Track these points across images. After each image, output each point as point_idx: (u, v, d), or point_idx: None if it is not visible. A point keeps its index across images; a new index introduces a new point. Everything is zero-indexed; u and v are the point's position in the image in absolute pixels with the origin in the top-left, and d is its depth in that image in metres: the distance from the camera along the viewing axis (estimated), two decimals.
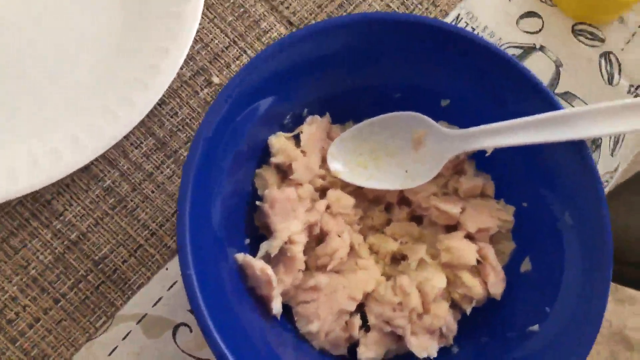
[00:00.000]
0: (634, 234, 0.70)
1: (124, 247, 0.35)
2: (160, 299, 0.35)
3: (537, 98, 0.33)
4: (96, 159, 0.36)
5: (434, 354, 0.32)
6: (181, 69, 0.37)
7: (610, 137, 0.46)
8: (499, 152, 0.34)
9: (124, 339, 0.34)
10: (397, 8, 0.45)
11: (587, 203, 0.32)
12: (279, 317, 0.31)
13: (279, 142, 0.33)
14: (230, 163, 0.31)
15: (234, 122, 0.31)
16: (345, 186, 0.35)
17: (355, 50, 0.33)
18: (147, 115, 0.37)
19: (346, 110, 0.36)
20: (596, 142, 0.45)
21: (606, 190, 0.46)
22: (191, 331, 0.35)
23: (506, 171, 0.35)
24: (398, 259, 0.35)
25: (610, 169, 0.46)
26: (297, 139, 0.34)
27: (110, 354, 0.34)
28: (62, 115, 0.35)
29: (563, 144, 0.32)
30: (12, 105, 0.36)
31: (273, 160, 0.33)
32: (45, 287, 0.34)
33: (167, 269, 0.36)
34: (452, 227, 0.35)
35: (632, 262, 0.70)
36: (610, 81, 0.47)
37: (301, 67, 0.33)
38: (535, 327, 0.31)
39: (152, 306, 0.35)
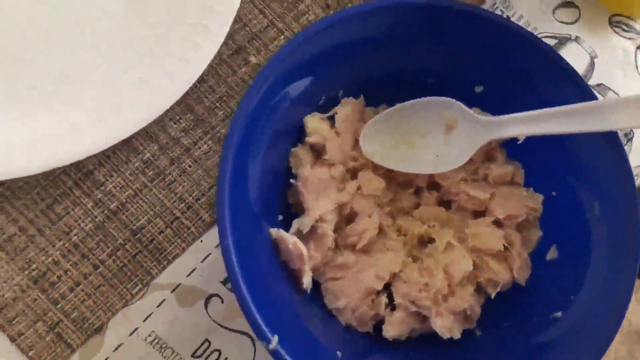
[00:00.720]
0: None
1: (161, 219, 0.37)
2: (194, 270, 0.36)
3: (571, 88, 0.33)
4: (136, 133, 0.37)
5: (458, 335, 0.33)
6: (220, 47, 0.38)
7: None
8: (531, 140, 0.35)
9: (158, 306, 0.36)
10: None
11: (618, 195, 0.32)
12: (309, 291, 0.32)
13: (314, 122, 0.34)
14: (268, 141, 0.32)
15: (272, 102, 0.32)
16: (376, 168, 0.35)
17: (390, 35, 0.34)
18: (187, 92, 0.38)
19: (380, 93, 0.36)
20: (628, 136, 0.45)
21: (637, 183, 0.46)
22: (222, 302, 0.36)
23: (537, 160, 0.36)
24: (425, 242, 0.36)
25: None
26: (331, 120, 0.35)
27: (144, 320, 0.36)
28: (106, 87, 0.36)
29: (595, 134, 0.32)
30: (58, 75, 0.37)
31: (308, 139, 0.34)
32: (86, 253, 0.36)
33: (201, 241, 0.37)
34: (480, 213, 0.36)
35: None
36: None
37: (337, 50, 0.33)
38: (559, 314, 0.32)
39: (187, 276, 0.36)
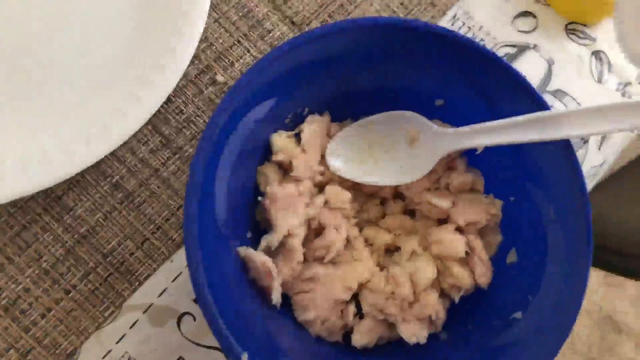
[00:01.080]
0: (627, 226, 0.71)
1: (131, 240, 0.37)
2: (165, 290, 0.37)
3: (526, 98, 0.34)
4: (105, 156, 0.37)
5: (423, 340, 0.34)
6: (187, 67, 0.39)
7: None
8: (489, 149, 0.36)
9: (131, 327, 0.36)
10: (397, 8, 0.46)
11: (571, 200, 0.33)
12: (278, 307, 0.33)
13: (280, 140, 0.35)
14: (235, 160, 0.33)
15: (239, 123, 0.32)
16: (343, 181, 0.36)
17: (354, 53, 0.35)
18: (154, 114, 0.38)
19: (345, 109, 0.37)
20: (584, 138, 0.47)
21: (593, 183, 0.48)
22: (195, 320, 0.37)
23: (495, 167, 0.37)
24: (392, 250, 0.37)
25: (596, 163, 0.47)
26: (297, 137, 0.36)
27: (118, 342, 0.36)
28: (74, 113, 0.37)
29: (550, 143, 0.34)
30: (25, 100, 0.37)
31: (274, 158, 0.35)
32: (57, 278, 0.36)
33: (172, 261, 0.37)
34: (443, 221, 0.37)
35: (625, 253, 0.72)
36: (600, 79, 0.49)
37: (303, 69, 0.34)
38: (519, 315, 0.33)
39: (158, 296, 0.37)
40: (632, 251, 0.70)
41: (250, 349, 0.28)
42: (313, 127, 0.36)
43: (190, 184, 0.29)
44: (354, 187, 0.37)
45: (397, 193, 0.38)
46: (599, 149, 0.48)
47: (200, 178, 0.30)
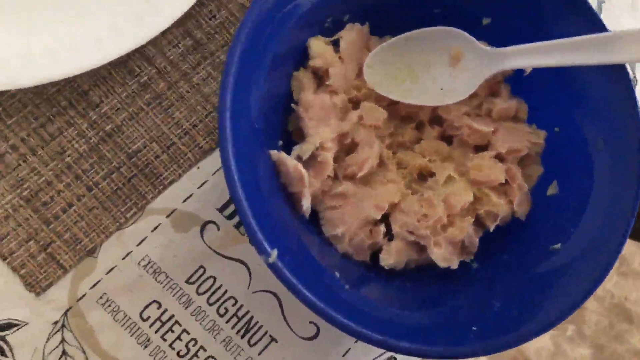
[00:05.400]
0: None
1: (157, 143, 0.36)
2: (190, 196, 0.36)
3: (582, 20, 0.32)
4: (134, 54, 0.36)
5: (455, 266, 0.33)
6: None
7: None
8: (536, 75, 0.34)
9: (153, 230, 0.35)
10: None
11: (623, 128, 0.32)
12: (307, 216, 0.32)
13: (318, 45, 0.33)
14: (270, 62, 0.31)
15: (275, 20, 0.30)
16: (379, 99, 0.35)
17: None
18: (185, 15, 0.36)
19: (386, 22, 0.35)
20: (634, 80, 0.45)
21: None
22: (219, 229, 0.36)
23: (542, 96, 0.35)
24: (426, 176, 0.36)
25: None
26: (336, 45, 0.34)
27: (139, 244, 0.35)
28: (105, 3, 0.35)
29: (603, 68, 0.32)
30: None
31: (311, 63, 0.33)
32: (79, 174, 0.35)
33: (198, 167, 0.36)
34: (482, 149, 0.35)
35: None
36: None
37: None
38: (558, 246, 0.32)
39: (182, 202, 0.36)
40: None
41: (280, 248, 0.27)
42: (353, 35, 0.34)
43: (225, 77, 0.28)
44: (391, 107, 0.35)
45: (435, 117, 0.36)
46: None
47: (235, 74, 0.28)
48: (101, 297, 0.34)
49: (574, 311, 0.30)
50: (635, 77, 0.45)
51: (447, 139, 0.36)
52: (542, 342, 0.45)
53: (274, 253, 0.26)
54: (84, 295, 0.34)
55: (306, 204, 0.31)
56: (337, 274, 0.30)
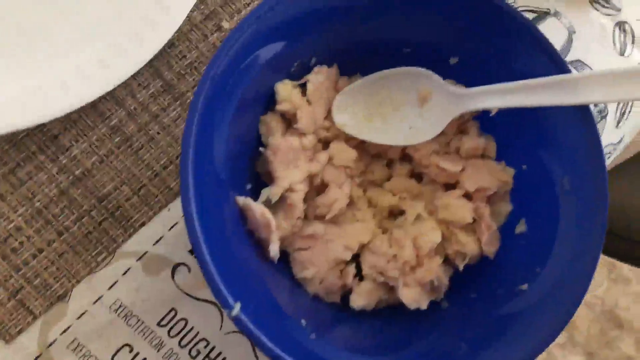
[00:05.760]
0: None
1: (128, 186, 0.36)
2: (161, 238, 0.36)
3: (547, 61, 0.33)
4: (104, 97, 0.36)
5: (424, 306, 0.33)
6: (192, 11, 0.37)
7: (617, 109, 0.46)
8: (503, 114, 0.34)
9: (124, 274, 0.35)
10: None
11: (588, 170, 0.32)
12: (276, 261, 0.32)
13: (285, 89, 0.33)
14: (236, 107, 0.31)
15: (242, 66, 0.31)
16: (348, 139, 0.35)
17: (367, 2, 0.33)
18: (156, 57, 0.37)
19: (354, 62, 0.36)
20: (602, 113, 0.45)
21: (609, 162, 0.47)
22: (190, 271, 0.36)
23: (509, 134, 0.35)
24: (395, 214, 0.36)
25: (614, 140, 0.46)
26: (303, 87, 0.34)
27: (109, 288, 0.35)
28: (71, 48, 0.35)
29: (568, 108, 0.32)
30: (22, 36, 0.35)
31: (278, 107, 0.33)
32: (50, 219, 0.35)
33: (169, 209, 0.36)
34: (451, 187, 0.35)
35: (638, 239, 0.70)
36: (622, 52, 0.47)
37: (311, 14, 0.32)
38: (525, 286, 0.32)
39: (153, 244, 0.36)
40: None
41: (244, 300, 0.27)
42: (320, 78, 0.34)
43: (188, 127, 0.28)
44: (360, 146, 0.36)
45: (404, 155, 0.36)
46: (617, 126, 0.46)
47: (198, 122, 0.28)
48: (72, 343, 0.34)
49: (540, 352, 0.30)
50: (606, 107, 0.45)
51: (418, 176, 0.37)
52: None
53: (237, 306, 0.26)
54: (54, 341, 0.34)
55: (274, 250, 0.31)
56: (304, 322, 0.30)
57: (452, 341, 0.32)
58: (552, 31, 0.46)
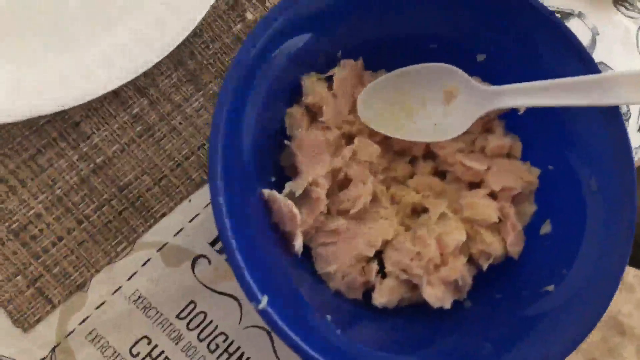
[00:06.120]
0: None
1: (149, 176, 0.36)
2: (181, 230, 0.35)
3: (575, 60, 0.33)
4: (126, 85, 0.36)
5: (448, 306, 0.32)
6: (216, 1, 0.36)
7: (639, 114, 0.46)
8: (531, 114, 0.34)
9: (143, 265, 0.35)
10: None
11: (616, 171, 0.32)
12: (299, 254, 0.32)
13: (311, 82, 0.33)
14: (263, 99, 0.31)
15: (268, 58, 0.30)
16: (372, 135, 0.35)
17: None
18: (179, 46, 0.36)
19: (380, 57, 0.35)
20: (625, 116, 0.45)
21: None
22: (210, 263, 0.35)
23: (535, 133, 0.35)
24: (419, 211, 0.35)
25: (635, 144, 0.45)
26: (329, 81, 0.34)
27: (129, 279, 0.35)
28: (95, 35, 0.35)
29: (596, 109, 0.32)
30: (44, 22, 0.35)
31: (304, 100, 0.33)
32: (70, 207, 0.35)
33: (190, 200, 0.36)
34: (475, 185, 0.35)
35: None
36: None
37: (338, 7, 0.32)
38: (551, 287, 0.32)
39: (174, 236, 0.35)
40: None
41: (270, 293, 0.26)
42: (346, 71, 0.34)
43: (216, 118, 0.28)
44: (384, 142, 0.35)
45: (429, 152, 0.36)
46: (639, 129, 0.46)
47: (227, 113, 0.28)
48: (90, 333, 0.34)
49: (567, 355, 0.30)
50: (629, 109, 0.45)
51: (441, 174, 0.36)
52: None
53: (264, 299, 0.26)
54: (72, 331, 0.34)
55: (298, 244, 0.31)
56: (329, 317, 0.30)
57: (475, 341, 0.31)
58: (576, 32, 0.45)
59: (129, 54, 0.34)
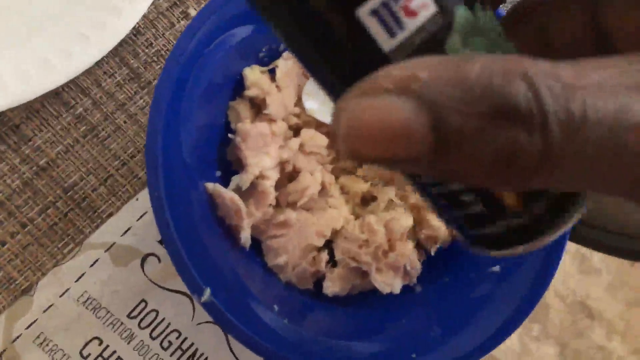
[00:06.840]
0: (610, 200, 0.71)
1: (94, 176, 0.35)
2: (129, 229, 0.35)
3: None
4: (68, 86, 0.35)
5: (397, 291, 0.33)
6: None
7: None
8: None
9: (91, 266, 0.34)
10: None
11: None
12: (247, 248, 0.32)
13: (253, 74, 0.33)
14: (203, 92, 0.31)
15: (208, 50, 0.30)
16: (319, 125, 0.35)
17: None
18: (122, 45, 0.36)
19: None
20: None
21: None
22: (160, 261, 0.35)
23: None
24: (368, 200, 0.36)
25: None
26: (272, 73, 0.34)
27: (77, 280, 0.34)
28: (33, 37, 0.34)
29: None
30: None
31: (247, 93, 0.33)
32: (12, 211, 0.34)
33: (137, 199, 0.36)
34: None
35: (610, 229, 0.71)
36: None
37: None
38: (497, 268, 0.32)
39: (121, 235, 0.35)
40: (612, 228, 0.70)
41: (214, 285, 0.26)
42: (289, 63, 0.34)
43: (153, 113, 0.28)
44: (331, 133, 0.35)
45: None
46: None
47: (165, 108, 0.28)
48: (38, 337, 0.33)
49: (511, 332, 0.30)
50: None
51: None
52: (509, 342, 0.45)
53: (207, 291, 0.26)
54: (19, 336, 0.33)
55: (245, 236, 0.31)
56: (276, 308, 0.30)
57: (425, 325, 0.32)
58: None
59: (69, 55, 0.34)
